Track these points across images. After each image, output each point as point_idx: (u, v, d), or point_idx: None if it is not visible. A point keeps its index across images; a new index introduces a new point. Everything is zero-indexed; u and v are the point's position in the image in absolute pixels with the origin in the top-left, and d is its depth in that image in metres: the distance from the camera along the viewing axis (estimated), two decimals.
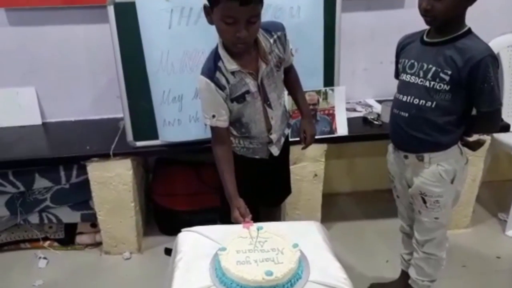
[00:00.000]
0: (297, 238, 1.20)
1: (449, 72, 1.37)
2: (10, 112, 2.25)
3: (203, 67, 1.45)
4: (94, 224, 2.18)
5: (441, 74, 1.38)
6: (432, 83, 1.41)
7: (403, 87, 1.51)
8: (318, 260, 1.18)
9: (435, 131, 1.45)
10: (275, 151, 1.61)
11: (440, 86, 1.39)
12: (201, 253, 1.23)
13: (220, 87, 1.41)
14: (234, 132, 1.55)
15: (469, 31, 1.38)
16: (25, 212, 2.12)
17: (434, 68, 1.40)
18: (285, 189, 1.88)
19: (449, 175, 1.49)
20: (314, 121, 2.04)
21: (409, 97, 1.47)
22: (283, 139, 1.66)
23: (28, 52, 2.21)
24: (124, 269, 2.11)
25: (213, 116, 1.44)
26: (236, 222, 1.35)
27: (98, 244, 2.23)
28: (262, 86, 1.47)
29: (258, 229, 1.25)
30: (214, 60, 1.42)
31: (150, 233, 2.34)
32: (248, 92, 1.45)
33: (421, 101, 1.44)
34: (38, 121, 2.30)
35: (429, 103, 1.43)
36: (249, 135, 1.55)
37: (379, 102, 2.36)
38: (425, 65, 1.42)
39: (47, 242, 2.21)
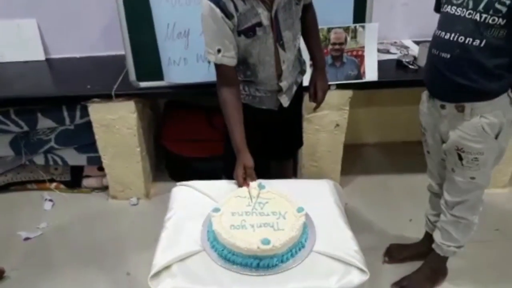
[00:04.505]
0: (304, 200, 1.05)
1: (508, 2, 1.12)
2: (12, 46, 2.14)
3: None
4: (102, 168, 2.09)
5: (497, 5, 1.14)
6: (484, 16, 1.16)
7: (446, 22, 1.27)
8: (327, 228, 1.03)
9: (481, 76, 1.23)
10: (285, 101, 1.42)
11: (493, 20, 1.15)
12: (194, 212, 1.10)
13: (227, 14, 1.20)
14: (238, 76, 1.34)
15: None
16: (29, 152, 2.06)
17: None
18: (296, 141, 1.71)
19: (494, 129, 1.29)
20: (340, 63, 1.82)
21: (452, 34, 1.23)
22: (295, 88, 1.46)
23: None
24: (130, 215, 2.05)
25: (219, 51, 1.24)
26: (236, 180, 1.19)
27: (105, 188, 2.16)
28: (276, 20, 1.26)
29: (259, 187, 1.08)
30: None
31: (160, 178, 2.25)
32: (259, 24, 1.24)
33: (468, 39, 1.20)
34: (41, 56, 2.18)
35: (477, 42, 1.19)
36: (255, 79, 1.36)
37: (417, 43, 2.10)
38: None
39: (54, 184, 2.16)
